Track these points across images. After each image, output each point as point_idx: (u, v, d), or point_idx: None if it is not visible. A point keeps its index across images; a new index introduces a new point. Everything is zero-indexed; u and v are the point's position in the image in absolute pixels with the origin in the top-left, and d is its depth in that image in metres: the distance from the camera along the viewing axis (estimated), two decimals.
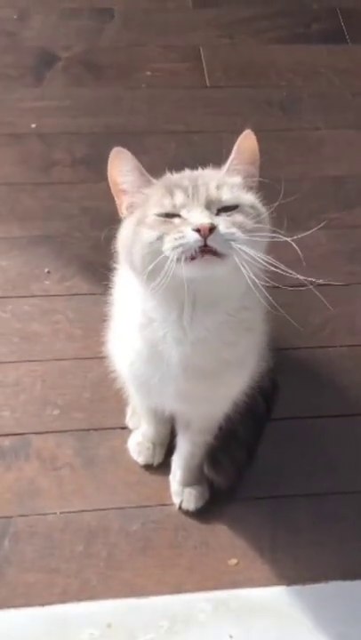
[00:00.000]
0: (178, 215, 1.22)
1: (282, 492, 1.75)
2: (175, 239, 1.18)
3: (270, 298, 1.34)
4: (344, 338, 2.02)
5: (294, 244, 1.27)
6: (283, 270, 1.23)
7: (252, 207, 1.26)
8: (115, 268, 1.50)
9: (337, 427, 1.86)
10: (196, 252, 1.17)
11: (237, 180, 1.30)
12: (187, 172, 1.34)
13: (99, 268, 1.57)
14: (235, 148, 1.31)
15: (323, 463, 1.80)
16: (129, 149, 1.30)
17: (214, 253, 1.18)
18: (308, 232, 1.33)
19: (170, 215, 1.23)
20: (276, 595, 1.61)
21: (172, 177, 1.32)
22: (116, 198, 1.32)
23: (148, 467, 1.76)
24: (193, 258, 1.18)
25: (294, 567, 1.65)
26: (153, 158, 2.19)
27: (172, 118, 2.45)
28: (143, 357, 1.40)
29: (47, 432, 1.80)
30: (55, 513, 1.68)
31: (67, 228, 2.19)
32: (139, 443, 1.77)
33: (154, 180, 1.30)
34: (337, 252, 2.18)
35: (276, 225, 1.30)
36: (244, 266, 1.17)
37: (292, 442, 1.82)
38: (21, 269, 2.09)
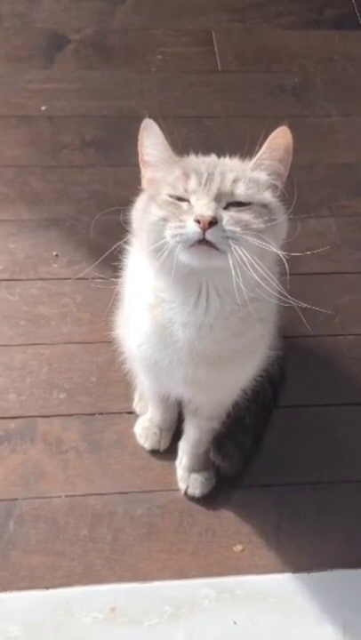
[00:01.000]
0: (187, 200, 1.22)
1: (288, 479, 1.74)
2: (175, 227, 1.18)
3: (280, 286, 1.33)
4: (353, 326, 2.01)
5: (285, 261, 1.24)
6: (276, 285, 1.24)
7: (267, 208, 1.24)
8: (125, 251, 1.50)
9: (345, 415, 1.85)
10: (194, 242, 1.17)
11: (261, 176, 1.28)
12: (211, 158, 1.32)
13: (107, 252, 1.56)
14: (266, 143, 1.28)
15: (329, 451, 1.79)
16: (137, 135, 1.30)
17: (212, 246, 1.17)
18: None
19: (180, 199, 1.22)
20: (281, 582, 1.61)
21: (193, 160, 1.31)
22: (141, 167, 1.33)
23: (154, 452, 1.75)
24: (191, 246, 1.17)
25: (299, 555, 1.65)
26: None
27: (183, 103, 2.44)
28: (152, 339, 1.39)
29: (53, 415, 1.80)
30: (60, 496, 1.68)
31: (75, 211, 2.17)
32: (145, 428, 1.76)
33: (177, 159, 1.30)
34: (348, 240, 2.17)
35: (295, 213, 1.29)
36: (235, 267, 1.16)
37: (300, 430, 1.81)
38: (29, 252, 2.07)
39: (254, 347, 1.43)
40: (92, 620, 1.53)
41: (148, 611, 1.54)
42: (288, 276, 1.25)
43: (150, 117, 1.30)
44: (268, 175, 1.28)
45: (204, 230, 1.16)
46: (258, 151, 1.29)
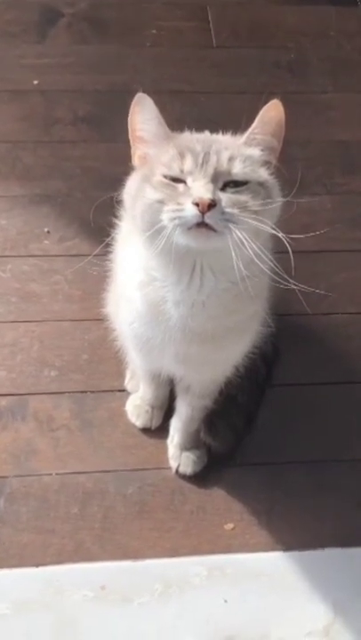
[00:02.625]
0: (183, 181, 1.19)
1: (280, 458, 1.74)
2: (174, 211, 1.16)
3: (274, 263, 1.31)
4: (347, 305, 2.00)
5: (286, 242, 1.21)
6: (275, 266, 1.22)
7: (263, 186, 1.22)
8: (116, 226, 1.48)
9: (338, 394, 1.85)
10: (192, 225, 1.15)
11: (255, 152, 1.25)
12: (204, 135, 1.29)
13: (100, 229, 1.55)
14: (258, 117, 1.25)
15: (322, 430, 1.79)
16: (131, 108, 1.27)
17: (210, 228, 1.15)
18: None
19: (176, 180, 1.20)
20: (272, 560, 1.61)
21: (187, 137, 1.28)
22: (131, 145, 1.29)
23: (145, 430, 1.74)
24: (189, 228, 1.15)
25: (291, 533, 1.64)
26: None
27: (178, 78, 2.41)
28: (143, 317, 1.38)
29: (44, 393, 1.79)
30: (51, 474, 1.67)
31: (68, 187, 2.15)
32: (137, 406, 1.75)
33: (171, 134, 1.27)
34: (342, 218, 2.15)
35: (288, 190, 1.27)
36: (234, 248, 1.14)
37: (292, 408, 1.81)
38: (21, 229, 2.05)
39: (247, 324, 1.42)
40: (82, 597, 1.52)
41: (139, 589, 1.54)
42: (292, 255, 1.23)
43: (144, 92, 1.27)
44: (262, 150, 1.25)
45: (203, 213, 1.14)
46: (240, 121, 1.27)
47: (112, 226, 1.46)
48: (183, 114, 2.26)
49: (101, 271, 1.63)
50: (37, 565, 1.56)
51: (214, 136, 1.30)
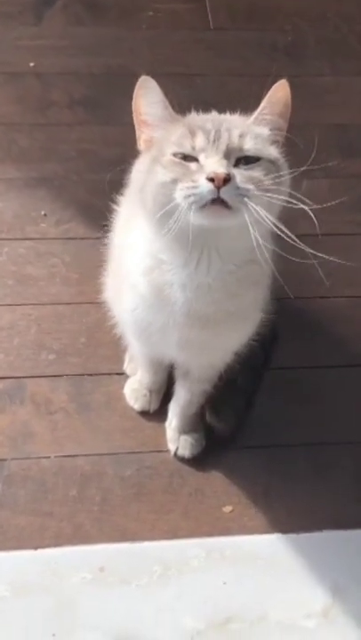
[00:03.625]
0: (195, 159, 1.18)
1: (278, 441, 1.74)
2: (188, 188, 1.15)
3: (276, 248, 1.31)
4: (344, 289, 1.99)
5: (311, 213, 1.22)
6: (291, 240, 1.20)
7: (274, 163, 1.22)
8: (113, 211, 1.47)
9: (335, 377, 1.85)
10: (207, 202, 1.14)
11: (264, 131, 1.25)
12: (213, 115, 1.29)
13: (96, 212, 1.54)
14: (266, 97, 1.25)
15: (319, 413, 1.79)
16: (129, 91, 1.26)
17: (225, 205, 1.14)
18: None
19: (187, 158, 1.19)
20: (270, 543, 1.61)
21: (196, 117, 1.28)
22: (136, 129, 1.28)
23: (144, 413, 1.74)
24: (203, 206, 1.14)
25: (289, 516, 1.65)
26: None
27: (174, 60, 2.40)
28: (147, 302, 1.37)
29: (42, 376, 1.78)
30: (49, 457, 1.67)
31: (64, 170, 2.14)
32: (135, 389, 1.75)
33: (178, 117, 1.26)
34: (340, 202, 2.14)
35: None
36: (252, 224, 1.14)
37: (290, 391, 1.81)
38: (17, 211, 2.04)
39: (249, 311, 1.41)
40: (80, 580, 1.52)
41: (137, 571, 1.54)
42: (319, 234, 1.22)
43: (140, 74, 1.26)
44: (271, 130, 1.25)
45: (218, 188, 1.13)
46: (258, 107, 1.26)
47: (109, 209, 1.46)
48: (180, 96, 2.21)
49: (99, 253, 1.62)
50: (36, 548, 1.56)
51: (223, 115, 1.29)
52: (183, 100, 2.15)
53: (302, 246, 1.21)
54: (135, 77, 1.30)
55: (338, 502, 1.67)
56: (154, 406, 1.75)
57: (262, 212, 1.13)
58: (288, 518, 1.64)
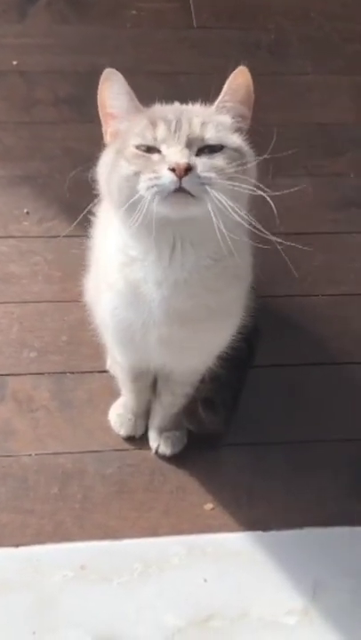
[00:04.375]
0: (157, 150, 1.18)
1: (260, 439, 1.74)
2: (150, 179, 1.14)
3: (252, 243, 1.31)
4: (326, 287, 2.00)
5: (269, 199, 1.20)
6: (257, 229, 1.20)
7: (238, 151, 1.21)
8: (95, 212, 1.47)
9: (317, 375, 1.85)
10: (170, 192, 1.14)
11: (226, 119, 1.24)
12: (175, 105, 1.29)
13: (80, 210, 1.54)
14: (226, 84, 1.25)
15: (302, 411, 1.79)
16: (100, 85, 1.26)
17: (188, 194, 1.14)
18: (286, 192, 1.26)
19: (150, 149, 1.19)
20: (252, 540, 1.61)
21: (159, 108, 1.27)
22: (102, 123, 1.28)
23: (130, 439, 1.73)
24: (167, 197, 1.14)
25: (270, 513, 1.65)
26: (138, 99, 2.13)
27: (158, 59, 2.40)
28: (125, 300, 1.35)
29: (24, 374, 1.78)
30: (30, 455, 1.67)
31: (48, 168, 2.13)
32: (120, 415, 1.73)
33: (143, 108, 1.26)
34: (322, 201, 2.15)
35: (263, 172, 1.26)
36: (215, 214, 1.13)
37: (272, 389, 1.81)
38: (0, 209, 2.04)
39: (231, 307, 1.40)
40: (62, 577, 1.52)
41: (118, 568, 1.54)
42: (276, 213, 1.22)
43: (124, 73, 1.26)
44: (233, 118, 1.25)
45: (180, 178, 1.12)
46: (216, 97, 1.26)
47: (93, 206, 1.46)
48: (164, 94, 2.23)
49: (82, 251, 1.62)
50: (17, 545, 1.56)
51: (185, 106, 1.29)
52: (167, 98, 2.16)
53: (269, 236, 1.21)
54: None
55: (320, 500, 1.68)
56: (140, 431, 1.73)
57: (225, 201, 1.12)
58: (269, 516, 1.65)
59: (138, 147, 1.19)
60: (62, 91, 2.31)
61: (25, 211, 2.04)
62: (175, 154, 1.15)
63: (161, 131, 1.19)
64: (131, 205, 1.16)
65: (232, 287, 1.35)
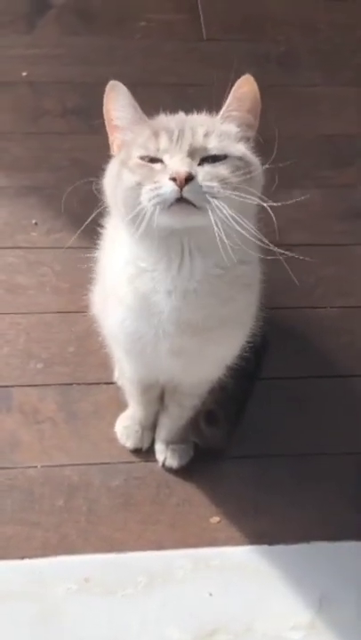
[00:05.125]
0: (160, 160, 1.18)
1: (267, 451, 1.74)
2: (152, 190, 1.14)
3: (263, 239, 1.31)
4: (334, 299, 1.99)
5: (270, 211, 1.19)
6: (260, 241, 1.20)
7: (242, 160, 1.20)
8: (103, 223, 1.47)
9: (324, 388, 1.85)
10: (172, 202, 1.13)
11: (231, 128, 1.24)
12: (179, 115, 1.29)
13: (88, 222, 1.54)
14: (231, 93, 1.24)
15: (309, 424, 1.78)
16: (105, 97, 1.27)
17: (191, 204, 1.13)
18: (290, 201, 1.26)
19: (153, 160, 1.18)
20: (258, 554, 1.60)
21: (162, 118, 1.27)
22: (109, 135, 1.28)
23: (136, 451, 1.72)
24: (169, 207, 1.14)
25: (277, 527, 1.64)
26: (146, 111, 2.13)
27: (167, 70, 2.40)
28: (135, 312, 1.34)
29: (30, 385, 1.78)
30: (36, 467, 1.67)
31: (56, 179, 2.13)
32: (126, 427, 1.72)
33: (148, 120, 1.26)
34: (330, 212, 2.15)
35: (270, 183, 1.25)
36: (218, 224, 1.12)
37: (279, 402, 1.80)
38: (8, 220, 2.04)
39: (242, 316, 1.39)
40: (65, 590, 1.52)
41: (123, 581, 1.54)
42: (276, 226, 1.21)
43: (132, 84, 1.26)
44: (238, 127, 1.24)
45: (180, 188, 1.12)
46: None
47: (100, 217, 1.46)
48: (172, 106, 2.23)
49: (89, 264, 1.62)
50: (22, 558, 1.56)
51: (189, 116, 1.29)
52: (175, 110, 2.16)
53: (273, 248, 1.21)
54: (128, 86, 1.30)
55: (326, 513, 1.67)
56: (146, 444, 1.72)
57: (227, 211, 1.12)
58: (276, 529, 1.64)
59: (142, 158, 1.19)
60: (70, 101, 2.32)
61: (33, 221, 2.04)
62: (176, 163, 1.15)
63: (163, 141, 1.18)
64: (134, 216, 1.16)
65: (243, 296, 1.34)
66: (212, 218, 1.12)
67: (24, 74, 2.36)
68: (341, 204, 2.17)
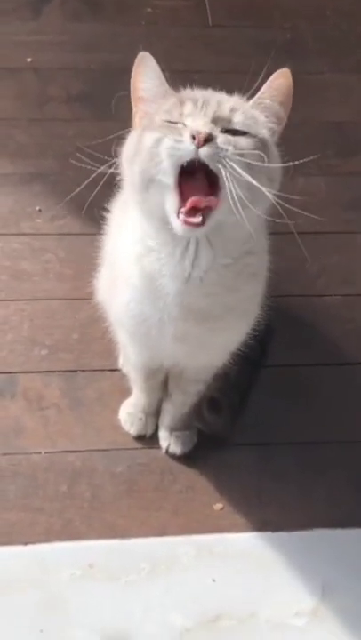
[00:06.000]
0: (183, 124, 1.15)
1: (271, 439, 1.73)
2: (170, 142, 1.12)
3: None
4: (339, 287, 1.99)
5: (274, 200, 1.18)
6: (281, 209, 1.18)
7: (263, 143, 1.18)
8: (108, 209, 1.47)
9: (329, 376, 1.84)
10: (186, 161, 1.11)
11: (259, 115, 1.21)
12: (208, 91, 1.26)
13: (92, 208, 1.54)
14: (267, 83, 1.22)
15: (313, 412, 1.78)
16: (127, 88, 1.25)
17: (200, 210, 1.12)
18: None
19: (175, 123, 1.16)
20: (261, 541, 1.60)
21: (189, 91, 1.25)
22: (133, 106, 1.25)
23: (140, 437, 1.72)
24: (180, 213, 1.12)
25: (280, 514, 1.64)
26: None
27: (172, 57, 2.34)
28: (141, 293, 1.33)
29: (34, 372, 1.78)
30: (40, 453, 1.67)
31: (60, 166, 2.13)
32: (130, 413, 1.72)
33: (173, 91, 1.24)
34: (336, 200, 2.14)
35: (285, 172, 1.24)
36: (233, 199, 1.10)
37: (284, 389, 1.80)
38: (12, 207, 2.04)
39: (248, 305, 1.39)
40: (69, 576, 1.52)
41: (126, 567, 1.54)
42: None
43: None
44: (267, 117, 1.22)
45: (198, 146, 1.10)
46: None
47: (105, 205, 1.46)
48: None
49: (94, 250, 1.62)
50: (25, 544, 1.56)
51: (219, 93, 1.26)
52: None
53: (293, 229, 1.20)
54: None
55: (329, 501, 1.67)
56: (150, 430, 1.72)
57: (243, 174, 1.10)
58: (279, 516, 1.64)
59: (164, 121, 1.17)
60: (75, 88, 2.31)
61: (37, 208, 2.04)
62: (197, 123, 1.13)
63: (188, 107, 1.17)
64: (147, 180, 1.15)
65: (250, 285, 1.34)
66: (225, 183, 1.10)
67: (29, 60, 2.36)
68: (347, 192, 2.16)
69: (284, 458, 1.72)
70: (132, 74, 1.24)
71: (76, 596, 1.50)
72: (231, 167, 1.10)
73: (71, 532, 1.58)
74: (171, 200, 1.14)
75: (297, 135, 2.19)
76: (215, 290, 1.29)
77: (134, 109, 1.26)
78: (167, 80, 1.24)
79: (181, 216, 1.13)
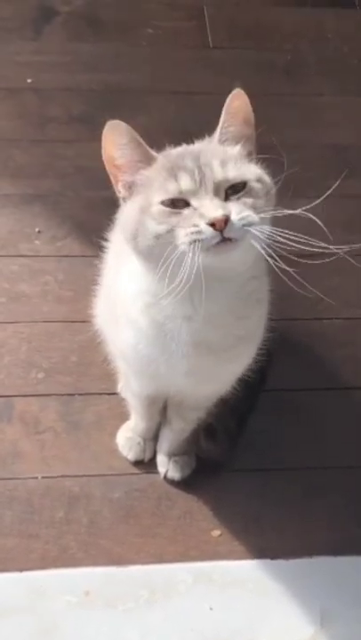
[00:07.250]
0: (185, 202, 1.14)
1: (270, 464, 1.72)
2: (192, 233, 1.10)
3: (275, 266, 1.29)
4: (340, 310, 1.98)
5: (298, 212, 1.21)
6: (303, 239, 1.20)
7: (260, 181, 1.19)
8: (108, 232, 1.46)
9: (329, 400, 1.84)
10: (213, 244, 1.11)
11: (236, 149, 1.21)
12: (186, 149, 1.24)
13: (92, 229, 1.53)
14: (224, 109, 1.21)
15: (313, 437, 1.77)
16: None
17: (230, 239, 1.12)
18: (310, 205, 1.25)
19: (175, 202, 1.14)
20: (259, 568, 1.59)
21: (172, 154, 1.22)
22: (111, 177, 1.22)
23: (137, 462, 1.71)
24: (208, 248, 1.11)
25: (279, 541, 1.63)
26: (152, 118, 2.14)
27: (173, 78, 2.39)
28: (149, 338, 1.31)
29: (31, 395, 1.77)
30: (36, 477, 1.65)
31: (60, 186, 2.13)
32: (128, 438, 1.71)
33: (153, 153, 1.21)
34: (335, 222, 2.12)
35: (282, 193, 1.24)
36: (258, 242, 1.11)
37: (283, 414, 1.79)
38: (12, 228, 2.03)
39: (255, 331, 1.38)
40: (65, 603, 1.51)
41: (123, 595, 1.52)
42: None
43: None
44: (239, 144, 1.21)
45: (220, 230, 1.10)
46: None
47: (105, 227, 1.45)
48: (178, 114, 2.23)
49: (93, 272, 1.61)
50: (21, 570, 1.55)
51: (196, 146, 1.24)
52: (181, 118, 2.16)
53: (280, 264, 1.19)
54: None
55: (329, 528, 1.66)
56: (148, 455, 1.71)
57: (266, 229, 1.12)
58: (278, 543, 1.62)
59: (163, 202, 1.15)
60: (76, 109, 2.31)
61: (36, 229, 2.03)
62: (209, 209, 1.12)
63: (184, 182, 1.15)
64: (171, 262, 1.12)
65: (256, 311, 1.33)
66: (253, 242, 1.11)
67: (29, 80, 2.36)
68: (347, 214, 2.15)
69: (283, 483, 1.70)
70: (103, 143, 1.20)
71: (71, 624, 1.49)
72: (257, 231, 1.11)
73: (67, 559, 1.56)
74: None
75: (297, 157, 2.21)
76: (226, 320, 1.28)
77: (113, 178, 1.22)
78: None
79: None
